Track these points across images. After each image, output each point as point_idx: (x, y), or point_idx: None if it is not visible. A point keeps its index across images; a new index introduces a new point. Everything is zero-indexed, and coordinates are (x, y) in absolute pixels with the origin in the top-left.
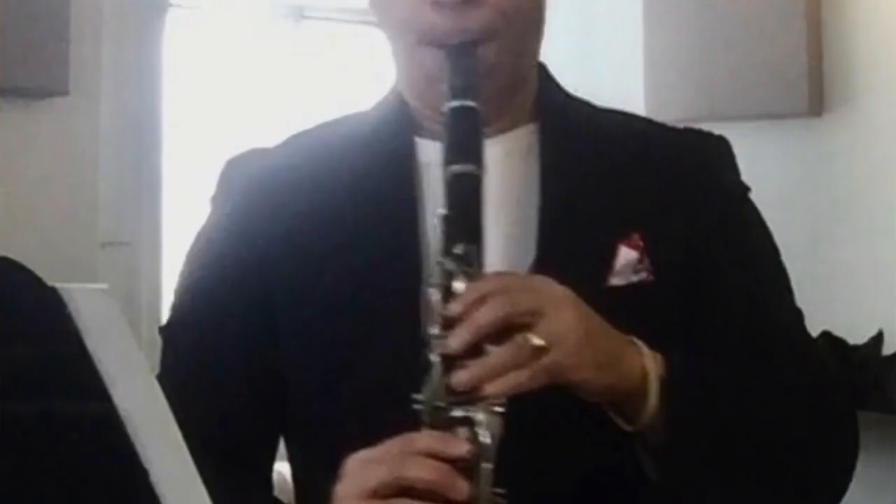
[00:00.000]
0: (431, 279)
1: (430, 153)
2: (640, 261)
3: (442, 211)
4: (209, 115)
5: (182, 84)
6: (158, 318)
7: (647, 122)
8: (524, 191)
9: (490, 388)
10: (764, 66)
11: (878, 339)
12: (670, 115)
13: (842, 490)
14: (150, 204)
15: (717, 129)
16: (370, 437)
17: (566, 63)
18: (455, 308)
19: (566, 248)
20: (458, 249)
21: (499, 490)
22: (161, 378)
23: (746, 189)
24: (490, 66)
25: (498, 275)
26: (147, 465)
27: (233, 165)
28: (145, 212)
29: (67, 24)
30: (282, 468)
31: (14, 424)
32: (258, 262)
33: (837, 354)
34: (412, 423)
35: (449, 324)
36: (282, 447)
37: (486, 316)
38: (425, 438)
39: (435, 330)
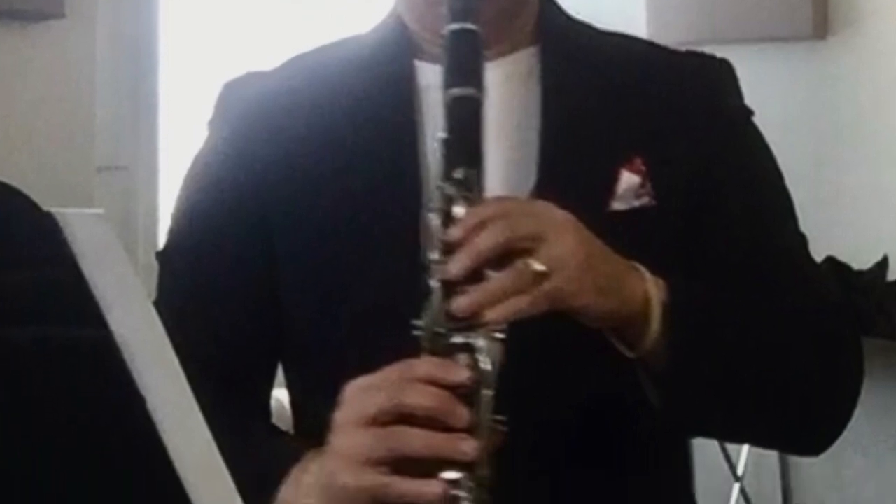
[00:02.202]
0: (431, 204)
1: (430, 76)
2: (642, 185)
3: (442, 135)
4: (206, 37)
5: (179, 6)
6: (155, 243)
7: (649, 46)
8: (525, 115)
9: (490, 314)
10: None
11: (883, 264)
12: (672, 38)
13: (846, 416)
14: (147, 128)
15: (719, 52)
16: (369, 363)
17: None
18: (455, 233)
19: (567, 172)
20: (458, 174)
21: (499, 417)
22: (158, 303)
23: (749, 113)
24: None
25: (498, 199)
26: (144, 392)
27: (230, 89)
28: (142, 136)
29: None
30: (280, 395)
31: (8, 350)
32: (256, 186)
33: (841, 280)
34: (411, 349)
35: (449, 249)
36: (280, 374)
37: (486, 241)
38: (425, 365)
39: (434, 255)
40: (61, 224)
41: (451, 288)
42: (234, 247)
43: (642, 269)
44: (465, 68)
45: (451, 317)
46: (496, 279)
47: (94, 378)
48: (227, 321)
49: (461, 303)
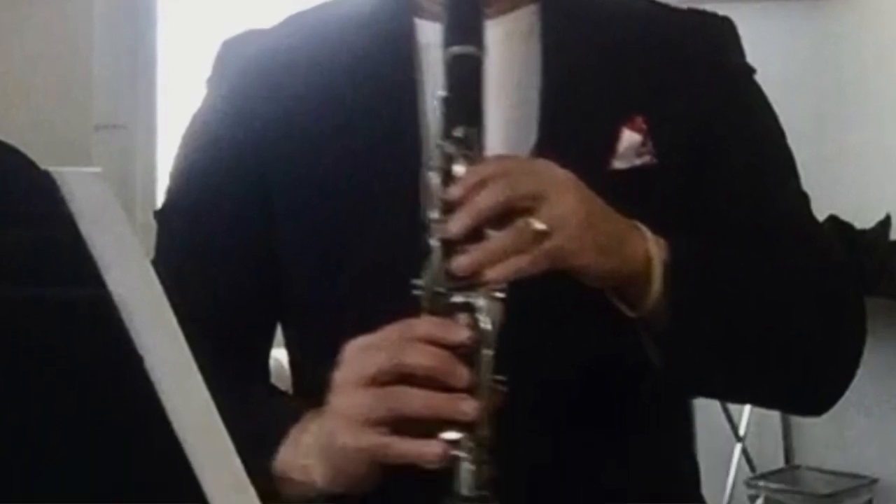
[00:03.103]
0: (431, 162)
1: (430, 34)
2: (643, 144)
3: (442, 93)
4: None
5: None
6: (153, 202)
7: (650, 3)
8: (525, 73)
9: (490, 273)
10: None
11: (886, 223)
12: None
13: (848, 377)
14: (145, 86)
15: (721, 9)
16: (369, 323)
17: None
18: (455, 192)
19: (568, 131)
20: (458, 132)
21: (499, 377)
22: (156, 262)
23: (751, 71)
24: None
25: (499, 158)
26: (142, 352)
27: (229, 47)
28: (140, 94)
29: None
30: (279, 355)
31: (5, 309)
32: (254, 145)
33: (844, 239)
34: (411, 308)
35: (449, 208)
36: (279, 333)
37: (486, 200)
38: (425, 324)
39: (434, 214)
40: (58, 182)
41: (451, 247)
42: (232, 205)
43: (643, 228)
44: (465, 26)
45: (451, 276)
46: (496, 238)
47: (92, 337)
48: (225, 280)
49: (461, 262)
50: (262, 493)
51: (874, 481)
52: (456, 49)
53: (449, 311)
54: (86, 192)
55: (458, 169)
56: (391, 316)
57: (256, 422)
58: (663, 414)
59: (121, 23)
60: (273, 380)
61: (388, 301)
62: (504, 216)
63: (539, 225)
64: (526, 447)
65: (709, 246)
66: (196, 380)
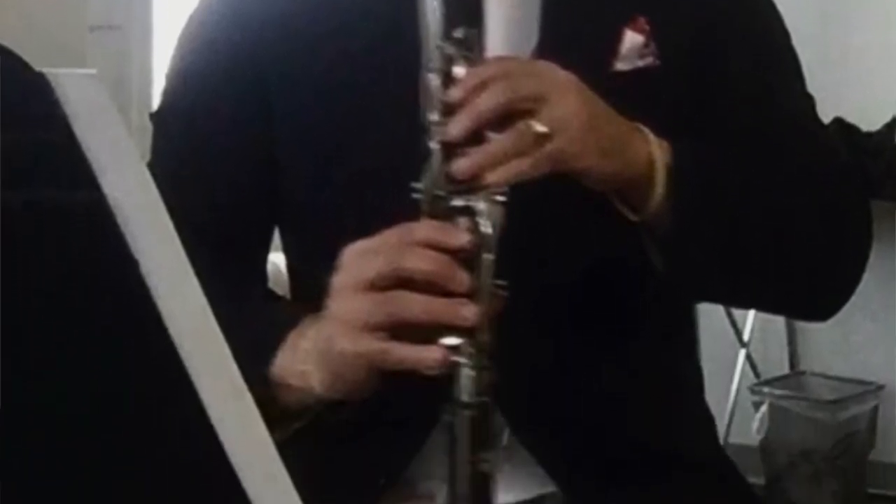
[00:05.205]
0: (430, 64)
1: None
2: (645, 45)
3: None
4: None
5: None
6: (149, 104)
7: None
8: None
9: (491, 177)
10: None
11: (892, 125)
12: None
13: (853, 281)
14: None
15: None
16: (367, 227)
17: None
18: (455, 94)
19: (570, 32)
20: (458, 33)
21: (500, 282)
22: (152, 165)
23: None
24: None
25: (499, 60)
26: (137, 256)
27: None
28: None
29: None
30: (276, 259)
31: None
32: (252, 46)
33: (849, 141)
34: (411, 212)
35: (449, 110)
36: (276, 237)
37: (486, 102)
38: (424, 228)
39: (434, 116)
40: (53, 84)
41: (451, 150)
42: (229, 107)
43: (646, 130)
44: None
45: (451, 179)
46: (497, 141)
47: (87, 241)
48: (222, 182)
49: (461, 165)
50: (259, 400)
51: (880, 387)
52: None
53: (449, 214)
54: (80, 93)
55: (459, 70)
56: (390, 220)
57: (254, 327)
58: (666, 318)
59: None
60: (271, 284)
61: (386, 204)
62: (505, 118)
63: (540, 127)
64: (526, 352)
65: (712, 149)
66: (192, 284)
